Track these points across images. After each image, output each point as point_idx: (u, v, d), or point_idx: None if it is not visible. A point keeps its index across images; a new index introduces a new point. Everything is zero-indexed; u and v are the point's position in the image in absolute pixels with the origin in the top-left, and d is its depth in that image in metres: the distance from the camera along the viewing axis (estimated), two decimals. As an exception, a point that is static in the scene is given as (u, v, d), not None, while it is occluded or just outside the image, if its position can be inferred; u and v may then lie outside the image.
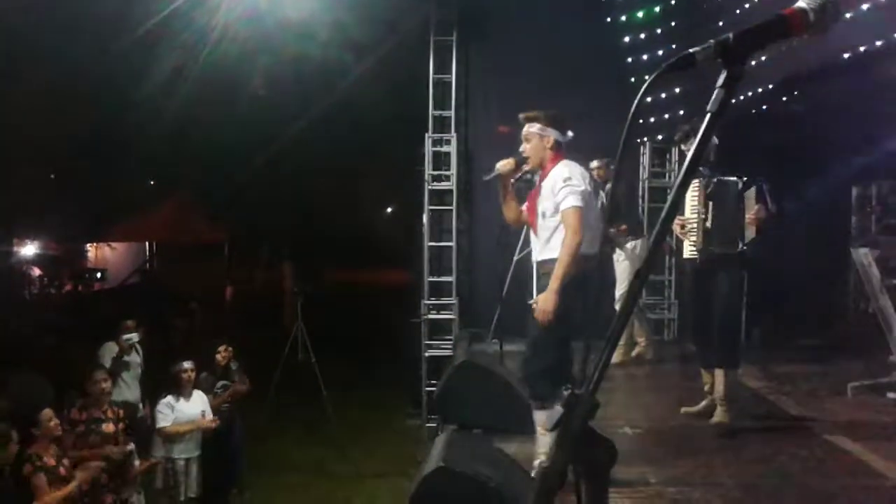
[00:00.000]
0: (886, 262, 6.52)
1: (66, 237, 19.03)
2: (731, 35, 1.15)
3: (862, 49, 6.37)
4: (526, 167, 4.15)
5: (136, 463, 5.91)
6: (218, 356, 7.11)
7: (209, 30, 10.14)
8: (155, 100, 13.82)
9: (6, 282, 16.84)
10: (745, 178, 4.84)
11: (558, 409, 1.19)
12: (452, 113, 8.34)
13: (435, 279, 8.26)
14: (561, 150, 4.11)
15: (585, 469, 1.21)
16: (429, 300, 8.16)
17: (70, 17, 10.93)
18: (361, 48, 10.32)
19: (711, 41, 1.16)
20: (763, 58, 6.06)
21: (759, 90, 7.70)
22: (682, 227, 5.03)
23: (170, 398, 6.35)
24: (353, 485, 7.56)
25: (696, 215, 4.96)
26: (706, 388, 5.24)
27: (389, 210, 25.05)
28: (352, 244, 21.06)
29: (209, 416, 6.53)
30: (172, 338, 11.18)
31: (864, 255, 6.14)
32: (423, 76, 8.38)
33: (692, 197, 4.95)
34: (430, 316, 8.12)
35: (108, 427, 5.74)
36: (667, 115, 8.21)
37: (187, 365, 6.47)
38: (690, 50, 1.18)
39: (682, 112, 7.72)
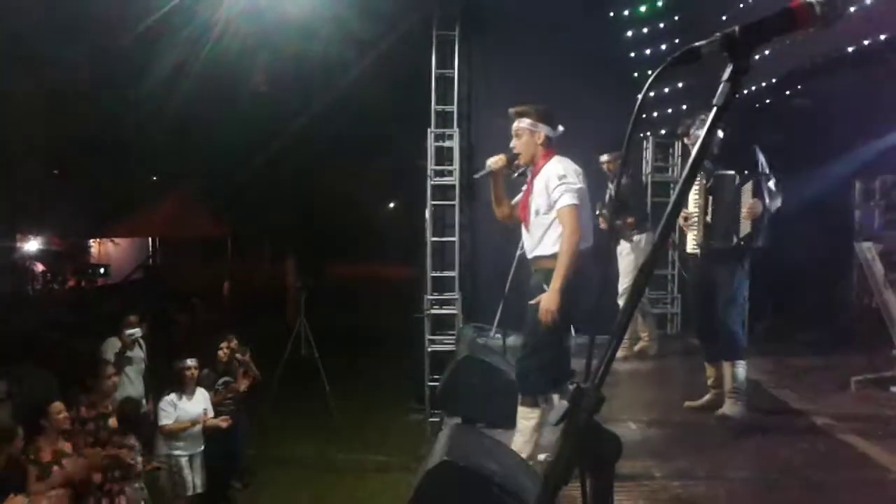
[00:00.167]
0: (890, 256, 6.51)
1: (69, 233, 19.02)
2: (736, 28, 1.15)
3: (866, 42, 6.35)
4: (517, 163, 4.11)
5: (139, 459, 5.94)
6: (220, 352, 7.12)
7: (211, 26, 10.13)
8: (157, 96, 13.79)
9: (9, 277, 16.85)
10: (745, 172, 4.83)
11: (563, 404, 1.19)
12: (455, 108, 8.33)
13: (438, 274, 8.26)
14: (552, 146, 4.08)
15: (591, 463, 1.21)
16: (432, 295, 8.17)
17: (72, 14, 10.92)
18: (363, 43, 10.29)
19: (717, 34, 1.15)
20: (766, 52, 6.04)
21: (763, 84, 7.68)
22: (686, 219, 5.02)
23: (172, 396, 6.36)
24: (356, 479, 7.58)
25: (697, 209, 4.96)
26: (709, 381, 5.24)
27: (392, 205, 25.02)
28: (354, 239, 21.04)
29: (210, 413, 6.55)
30: (175, 333, 11.19)
31: (867, 250, 6.13)
32: (426, 71, 8.37)
33: (693, 191, 4.94)
34: (433, 311, 8.13)
35: (113, 422, 5.79)
36: (670, 110, 8.19)
37: (191, 362, 6.48)
38: (696, 44, 1.18)
39: (685, 107, 7.70)
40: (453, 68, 8.32)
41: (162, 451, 6.35)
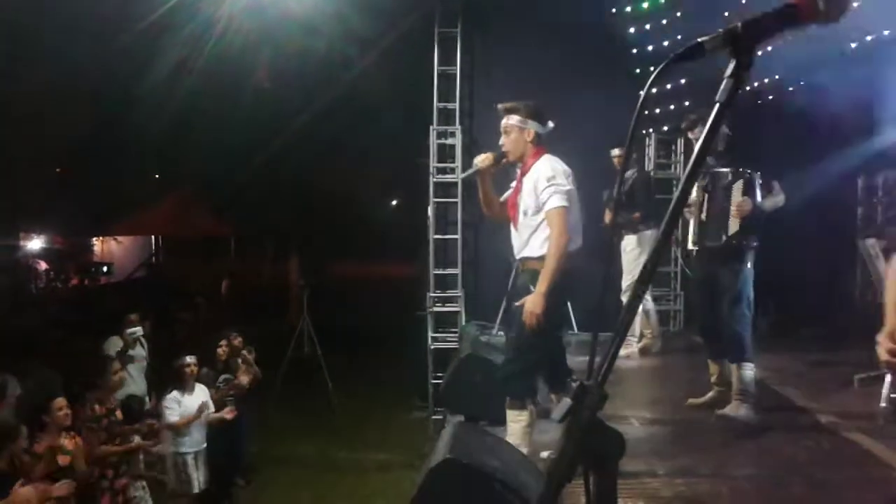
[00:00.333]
0: (893, 252, 6.49)
1: (71, 232, 19.08)
2: (740, 24, 1.14)
3: (869, 38, 6.33)
4: (505, 161, 4.05)
5: (141, 456, 5.98)
6: (219, 350, 7.15)
7: (213, 23, 10.13)
8: (159, 95, 13.81)
9: (13, 276, 16.88)
10: (740, 169, 4.80)
11: (566, 401, 1.19)
12: (457, 105, 8.32)
13: (440, 272, 8.26)
14: (542, 143, 4.01)
15: (594, 460, 1.21)
16: (434, 293, 8.17)
17: (73, 12, 10.93)
18: (365, 40, 10.29)
19: (720, 30, 1.15)
20: (769, 47, 6.02)
21: (766, 80, 7.66)
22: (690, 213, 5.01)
23: (175, 393, 6.39)
24: (358, 477, 7.58)
25: (693, 206, 4.95)
26: (712, 379, 5.24)
27: (394, 203, 25.03)
28: (356, 237, 21.06)
29: (212, 408, 6.59)
30: (178, 332, 11.21)
31: (870, 246, 6.11)
32: (428, 68, 8.36)
33: (693, 188, 4.92)
34: (436, 308, 8.13)
35: (119, 415, 5.83)
36: (672, 106, 8.18)
37: (189, 359, 6.51)
38: (699, 39, 1.18)
39: (687, 103, 7.69)
40: (455, 65, 8.31)
41: (168, 449, 6.36)
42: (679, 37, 7.56)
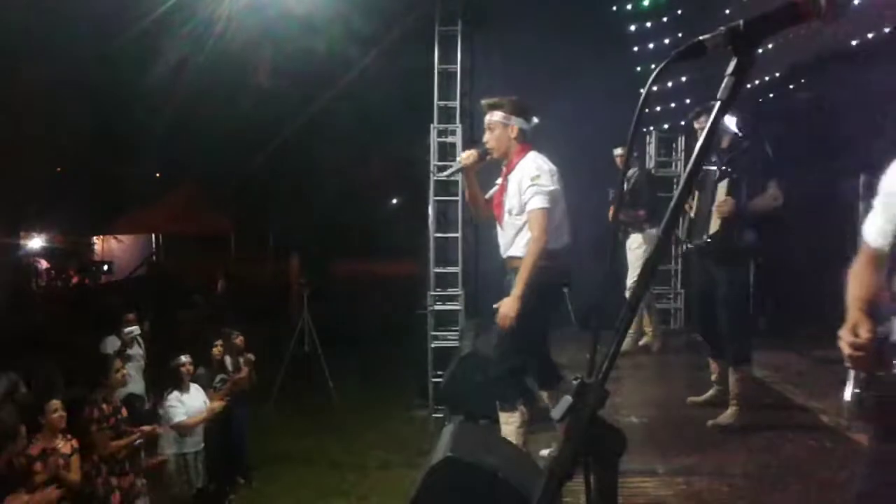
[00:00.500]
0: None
1: (72, 230, 19.08)
2: (741, 22, 1.14)
3: (870, 36, 6.31)
4: (489, 158, 3.99)
5: (142, 454, 6.00)
6: (214, 350, 7.16)
7: (213, 21, 10.13)
8: (160, 92, 13.81)
9: (14, 274, 16.88)
10: (725, 168, 4.75)
11: (567, 399, 1.19)
12: (457, 103, 8.32)
13: (441, 270, 8.26)
14: (527, 140, 3.95)
15: (595, 458, 1.21)
16: (435, 291, 8.17)
17: (74, 9, 10.93)
18: (366, 38, 10.29)
19: (722, 28, 1.15)
20: (770, 45, 6.02)
21: (767, 78, 7.65)
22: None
23: (176, 393, 6.40)
24: (359, 475, 7.58)
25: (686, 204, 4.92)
26: (713, 377, 5.23)
27: (395, 201, 25.02)
28: (357, 236, 21.06)
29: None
30: (178, 330, 11.21)
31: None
32: (429, 66, 8.35)
33: None
34: (436, 307, 8.13)
35: (123, 413, 5.85)
36: (673, 105, 8.18)
37: (185, 359, 6.54)
38: (700, 37, 1.18)
39: (688, 101, 7.69)
40: (456, 63, 8.31)
41: (171, 450, 6.37)
42: (680, 35, 7.56)
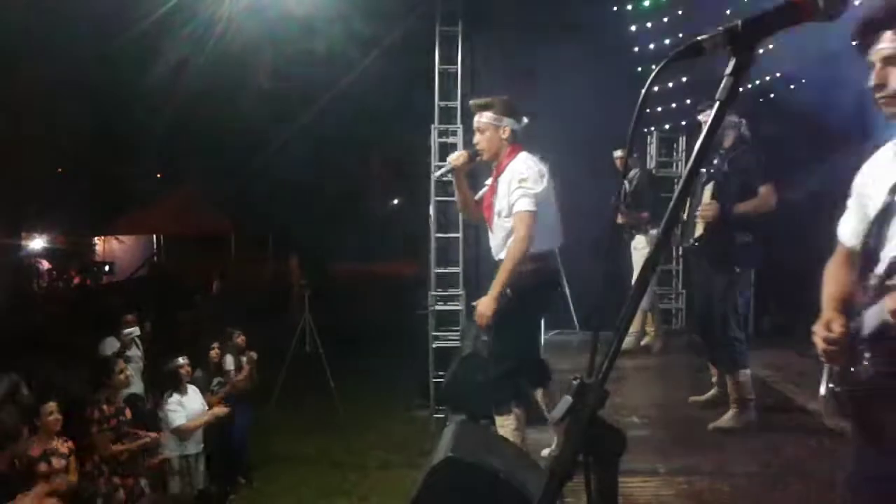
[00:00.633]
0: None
1: (73, 230, 19.08)
2: (739, 22, 1.14)
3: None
4: (480, 160, 3.97)
5: (143, 455, 6.01)
6: (211, 352, 7.16)
7: (214, 22, 10.14)
8: (161, 92, 13.82)
9: (15, 275, 16.89)
10: (712, 171, 4.73)
11: (567, 399, 1.19)
12: (458, 104, 8.31)
13: (442, 270, 8.26)
14: (518, 140, 3.91)
15: (595, 458, 1.21)
16: (436, 291, 8.16)
17: (74, 9, 10.93)
18: (367, 39, 10.29)
19: (720, 28, 1.15)
20: (770, 45, 6.01)
21: (767, 78, 7.65)
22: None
23: (176, 396, 6.39)
24: (360, 475, 7.58)
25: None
26: (714, 378, 5.23)
27: (395, 202, 25.03)
28: (358, 236, 21.06)
29: (206, 408, 6.62)
30: (178, 331, 11.21)
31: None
32: (429, 67, 8.35)
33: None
34: (437, 307, 8.12)
35: (127, 414, 5.85)
36: (674, 105, 8.17)
37: (182, 361, 6.53)
38: (699, 38, 1.18)
39: (688, 101, 7.68)
40: (456, 64, 8.30)
41: (174, 453, 6.36)
42: (681, 35, 7.55)
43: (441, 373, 7.54)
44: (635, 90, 1.24)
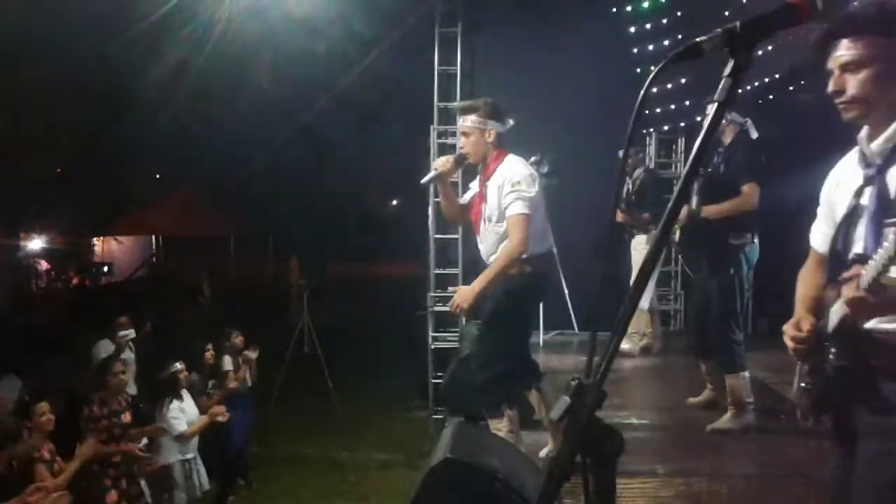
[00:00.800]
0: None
1: (72, 231, 19.08)
2: (738, 24, 1.14)
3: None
4: (466, 164, 3.96)
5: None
6: (206, 354, 7.15)
7: (214, 23, 10.14)
8: (160, 93, 13.82)
9: (14, 275, 16.89)
10: (708, 169, 4.71)
11: (565, 400, 1.19)
12: (457, 104, 8.30)
13: (441, 271, 8.25)
14: (503, 144, 3.88)
15: (593, 459, 1.21)
16: (435, 292, 8.16)
17: (74, 9, 10.93)
18: (366, 40, 10.30)
19: (718, 30, 1.15)
20: (770, 47, 6.02)
21: (766, 80, 7.66)
22: None
23: (176, 402, 6.36)
24: (359, 476, 7.58)
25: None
26: (706, 379, 5.23)
27: (394, 203, 25.03)
28: (357, 237, 21.06)
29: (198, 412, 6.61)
30: (178, 332, 11.20)
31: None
32: (428, 68, 8.35)
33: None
34: (437, 308, 8.12)
35: (126, 417, 5.82)
36: (672, 106, 8.18)
37: (180, 366, 6.49)
38: (697, 39, 1.18)
39: (687, 102, 7.69)
40: (456, 65, 8.29)
41: (175, 458, 6.33)
42: (680, 36, 7.57)
43: (440, 373, 7.54)
44: (634, 91, 1.25)
